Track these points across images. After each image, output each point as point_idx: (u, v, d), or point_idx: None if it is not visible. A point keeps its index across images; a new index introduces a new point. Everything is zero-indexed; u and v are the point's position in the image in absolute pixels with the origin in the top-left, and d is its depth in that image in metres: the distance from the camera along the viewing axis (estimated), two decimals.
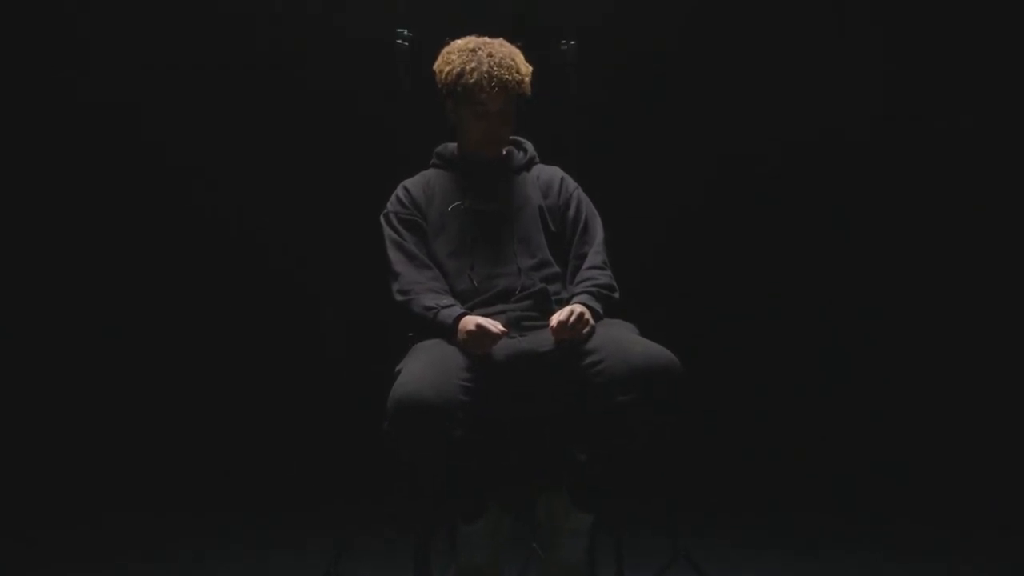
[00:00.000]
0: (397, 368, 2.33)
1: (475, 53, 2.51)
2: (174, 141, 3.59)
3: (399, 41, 2.89)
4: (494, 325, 2.32)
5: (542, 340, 2.36)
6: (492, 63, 2.49)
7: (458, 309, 2.40)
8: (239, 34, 3.52)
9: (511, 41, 2.60)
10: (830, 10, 3.55)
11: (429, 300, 2.43)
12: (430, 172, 2.68)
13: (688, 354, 2.30)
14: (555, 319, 2.33)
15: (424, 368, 2.23)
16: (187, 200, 3.65)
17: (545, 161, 2.75)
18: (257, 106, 3.57)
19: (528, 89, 2.57)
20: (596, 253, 2.58)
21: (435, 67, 2.60)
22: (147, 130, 3.60)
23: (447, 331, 2.36)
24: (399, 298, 2.47)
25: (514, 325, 2.41)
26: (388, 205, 2.61)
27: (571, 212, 2.63)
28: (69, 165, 3.60)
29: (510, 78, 2.50)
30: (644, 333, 2.41)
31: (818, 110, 3.57)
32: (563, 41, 2.90)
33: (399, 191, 2.63)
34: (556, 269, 2.58)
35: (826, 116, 3.60)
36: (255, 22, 3.51)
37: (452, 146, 2.69)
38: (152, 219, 3.67)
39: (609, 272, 2.57)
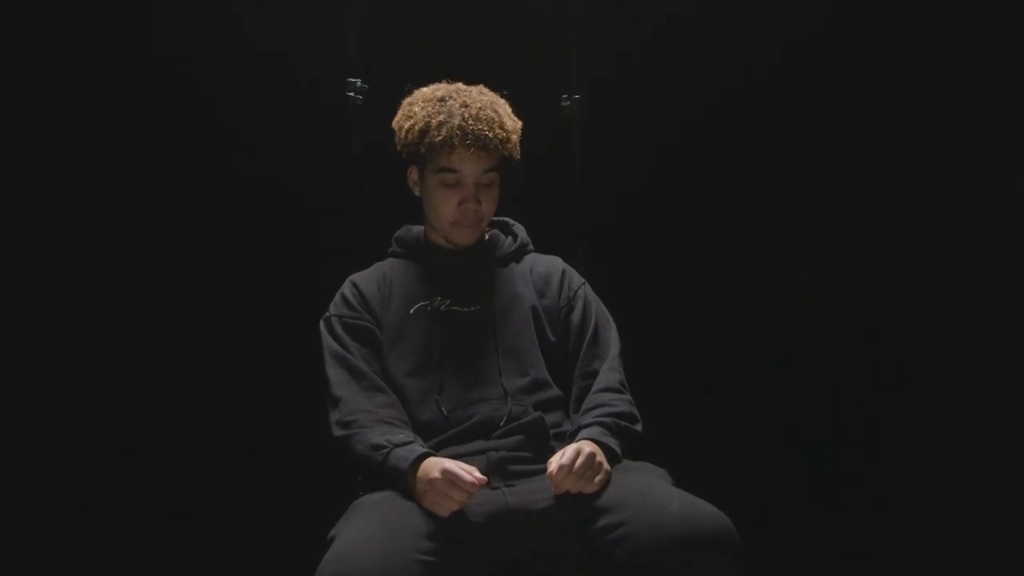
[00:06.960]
0: (331, 534, 1.99)
1: (444, 103, 2.22)
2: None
3: (350, 94, 2.62)
4: (468, 471, 1.98)
5: (537, 493, 2.03)
6: (467, 115, 2.19)
7: (418, 449, 2.06)
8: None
9: (494, 90, 2.32)
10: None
11: (378, 436, 2.07)
12: (387, 264, 2.40)
13: (744, 513, 1.95)
14: (555, 462, 1.99)
15: (367, 535, 1.90)
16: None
17: (541, 249, 2.47)
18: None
19: (515, 151, 2.26)
20: (610, 371, 2.25)
21: (394, 123, 2.31)
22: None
23: (402, 480, 2.03)
24: (338, 432, 2.12)
25: (497, 471, 2.08)
26: (331, 307, 2.30)
27: (576, 316, 2.32)
28: None
29: (491, 135, 2.18)
30: (680, 483, 2.07)
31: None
32: (564, 96, 2.67)
33: (346, 288, 2.33)
34: (556, 392, 2.27)
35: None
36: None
37: (417, 229, 2.41)
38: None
39: (628, 396, 2.23)
